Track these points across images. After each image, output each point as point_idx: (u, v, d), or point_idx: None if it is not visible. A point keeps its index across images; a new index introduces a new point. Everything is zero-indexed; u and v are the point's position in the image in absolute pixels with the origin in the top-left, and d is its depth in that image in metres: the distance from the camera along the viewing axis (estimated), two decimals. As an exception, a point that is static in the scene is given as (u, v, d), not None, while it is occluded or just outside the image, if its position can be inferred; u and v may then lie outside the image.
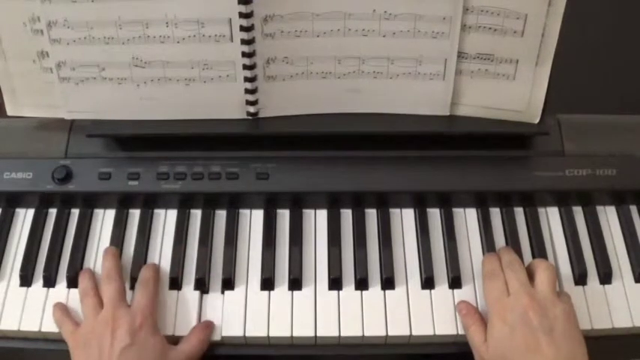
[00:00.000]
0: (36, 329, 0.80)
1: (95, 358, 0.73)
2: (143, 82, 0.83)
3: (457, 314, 0.80)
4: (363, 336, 0.79)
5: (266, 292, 0.82)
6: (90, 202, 0.88)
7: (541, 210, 0.88)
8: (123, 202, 0.88)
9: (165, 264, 0.84)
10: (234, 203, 0.88)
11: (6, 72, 0.85)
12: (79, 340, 0.76)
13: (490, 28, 0.80)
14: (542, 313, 0.73)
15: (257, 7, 0.78)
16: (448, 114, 0.86)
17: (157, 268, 0.82)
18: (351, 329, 0.79)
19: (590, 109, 0.91)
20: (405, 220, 0.87)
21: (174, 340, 0.79)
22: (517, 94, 0.83)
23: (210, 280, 0.83)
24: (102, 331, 0.75)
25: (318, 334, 0.79)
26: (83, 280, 0.81)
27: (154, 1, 0.78)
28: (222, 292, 0.82)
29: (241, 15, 0.78)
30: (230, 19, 0.79)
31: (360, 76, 0.84)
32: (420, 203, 0.88)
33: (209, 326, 0.79)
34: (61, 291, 0.82)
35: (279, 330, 0.79)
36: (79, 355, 0.75)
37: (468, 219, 0.88)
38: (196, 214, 0.88)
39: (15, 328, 0.80)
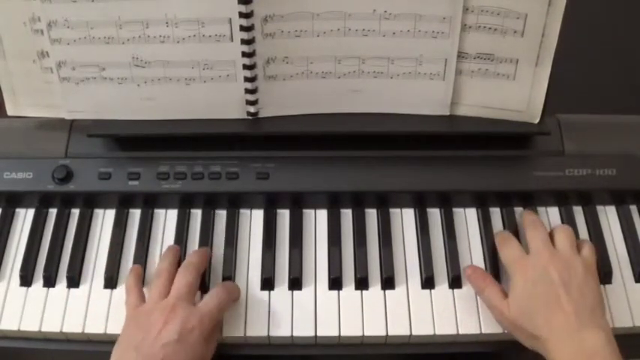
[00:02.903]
0: (36, 329, 0.80)
1: (139, 339, 0.72)
2: (143, 82, 0.83)
3: (467, 279, 0.81)
4: (363, 336, 0.79)
5: (266, 292, 0.82)
6: (90, 202, 0.88)
7: (541, 210, 0.88)
8: (123, 202, 0.88)
9: (166, 264, 0.84)
10: (234, 203, 0.88)
11: (6, 72, 0.85)
12: (135, 315, 0.76)
13: (490, 28, 0.80)
14: (563, 268, 0.75)
15: (257, 6, 0.78)
16: (448, 114, 0.86)
17: (238, 290, 0.81)
18: (351, 329, 0.79)
19: (590, 109, 0.91)
20: (405, 219, 0.87)
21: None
22: (517, 93, 0.83)
23: (210, 280, 0.83)
24: (156, 317, 0.73)
25: (318, 334, 0.79)
26: (166, 258, 0.80)
27: (154, 1, 0.78)
28: (223, 292, 0.82)
29: (241, 15, 0.78)
30: (230, 19, 0.79)
31: (360, 76, 0.84)
32: (420, 203, 0.88)
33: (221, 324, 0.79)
34: (61, 291, 0.82)
35: (279, 330, 0.79)
36: (128, 327, 0.75)
37: (468, 219, 0.88)
38: (196, 214, 0.88)
39: (15, 328, 0.80)
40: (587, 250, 0.80)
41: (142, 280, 0.81)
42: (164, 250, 0.84)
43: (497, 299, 0.77)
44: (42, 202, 0.88)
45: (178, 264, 0.81)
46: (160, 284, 0.77)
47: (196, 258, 0.80)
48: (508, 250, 0.80)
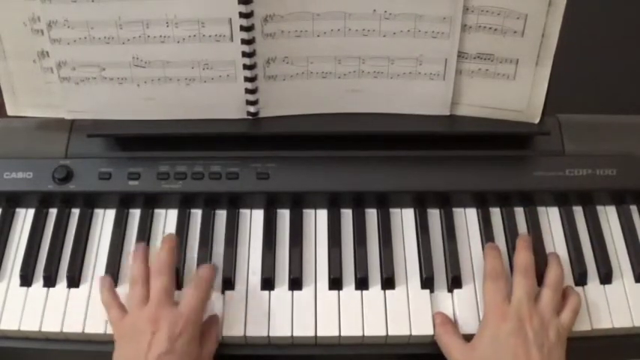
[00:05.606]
0: (36, 329, 0.80)
1: (133, 355, 0.72)
2: (143, 82, 0.83)
3: (433, 321, 0.80)
4: (363, 336, 0.79)
5: (266, 292, 0.82)
6: (90, 202, 0.88)
7: (541, 210, 0.88)
8: (123, 202, 0.88)
9: (166, 264, 0.84)
10: (235, 203, 0.88)
11: (6, 72, 0.85)
12: (122, 331, 0.76)
13: (490, 28, 0.80)
14: (539, 329, 0.74)
15: (257, 7, 0.78)
16: (448, 114, 0.86)
17: (214, 271, 0.80)
18: (351, 329, 0.79)
19: (590, 109, 0.91)
20: (405, 220, 0.87)
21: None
22: (517, 94, 0.83)
23: (210, 280, 0.83)
24: (143, 329, 0.73)
25: (318, 334, 0.79)
26: (137, 264, 0.79)
27: (154, 1, 0.78)
28: (223, 292, 0.82)
29: (241, 15, 0.78)
30: (230, 19, 0.79)
31: (361, 76, 0.84)
32: (420, 203, 0.88)
33: (217, 321, 0.79)
34: (61, 291, 0.82)
35: (280, 330, 0.79)
36: (120, 345, 0.75)
37: (468, 219, 0.88)
38: (196, 214, 0.88)
39: (15, 328, 0.80)
40: (568, 315, 0.77)
41: (114, 291, 0.80)
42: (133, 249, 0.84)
43: (458, 345, 0.76)
44: (42, 202, 0.88)
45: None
46: (138, 291, 0.77)
47: (162, 255, 0.79)
48: (493, 287, 0.78)
